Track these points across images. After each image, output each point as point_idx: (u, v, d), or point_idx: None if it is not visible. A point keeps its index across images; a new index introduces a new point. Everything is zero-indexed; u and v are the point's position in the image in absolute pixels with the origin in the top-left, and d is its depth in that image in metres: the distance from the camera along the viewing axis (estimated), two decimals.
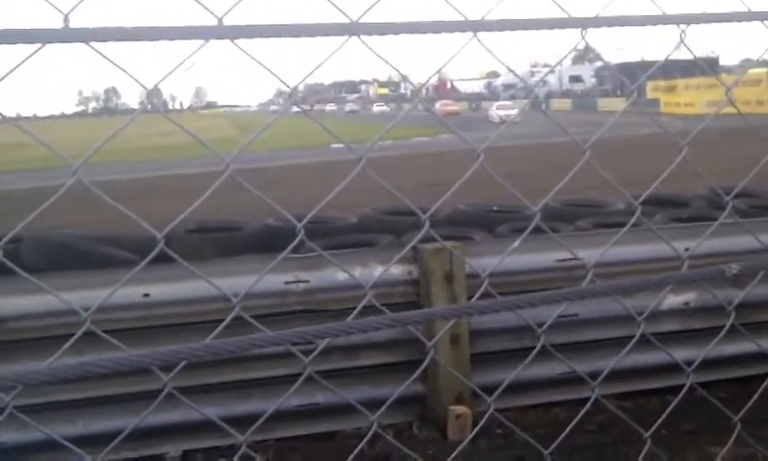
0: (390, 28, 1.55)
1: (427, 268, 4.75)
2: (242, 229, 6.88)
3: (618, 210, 7.28)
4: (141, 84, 1.55)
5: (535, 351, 2.47)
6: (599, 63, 76.89)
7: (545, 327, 2.54)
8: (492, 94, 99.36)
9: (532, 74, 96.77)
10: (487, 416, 2.24)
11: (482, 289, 2.16)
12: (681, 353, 4.71)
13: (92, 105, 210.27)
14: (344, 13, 1.53)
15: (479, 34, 1.66)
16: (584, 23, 1.77)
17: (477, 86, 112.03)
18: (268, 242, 6.58)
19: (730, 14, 1.86)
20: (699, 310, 5.22)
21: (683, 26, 1.90)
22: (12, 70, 1.36)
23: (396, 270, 4.75)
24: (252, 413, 4.62)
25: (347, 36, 1.53)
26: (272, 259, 5.13)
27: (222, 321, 4.54)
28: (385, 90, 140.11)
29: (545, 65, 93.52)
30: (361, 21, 1.53)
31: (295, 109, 1.92)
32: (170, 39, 1.39)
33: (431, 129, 40.04)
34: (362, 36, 1.54)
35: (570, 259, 5.06)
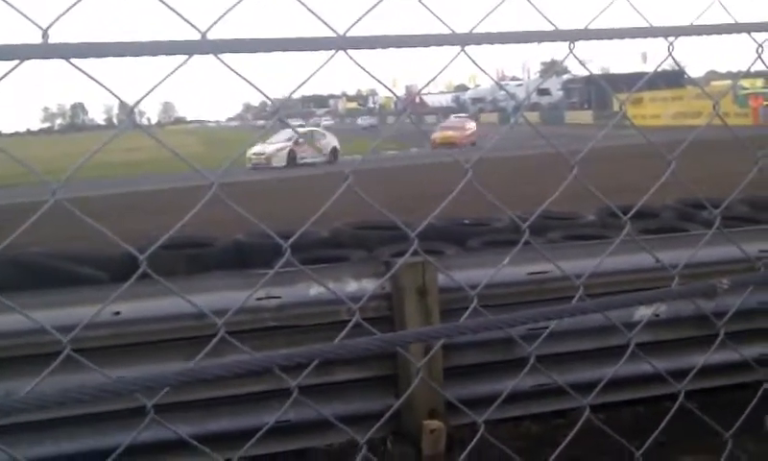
0: (378, 41, 1.52)
1: (400, 282, 4.73)
2: (212, 245, 6.82)
3: (588, 222, 7.32)
4: (122, 101, 1.52)
5: (527, 368, 2.45)
6: (566, 76, 77.43)
7: (537, 343, 2.53)
8: (460, 108, 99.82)
9: (499, 87, 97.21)
10: (478, 435, 2.22)
11: (472, 306, 2.14)
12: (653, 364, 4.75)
13: (58, 121, 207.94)
14: (331, 28, 1.50)
15: (467, 47, 1.64)
16: (572, 36, 1.75)
17: (445, 100, 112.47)
18: (238, 258, 6.53)
19: (717, 26, 1.86)
20: (669, 321, 5.25)
21: (671, 38, 1.90)
22: None
23: (370, 284, 4.73)
24: (222, 431, 4.58)
25: (333, 51, 1.50)
26: (244, 275, 5.11)
27: (193, 338, 4.51)
28: (354, 104, 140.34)
29: (513, 78, 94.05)
30: (348, 35, 1.50)
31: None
32: (153, 55, 1.36)
33: (401, 143, 40.17)
34: (349, 51, 1.52)
35: (541, 272, 5.08)
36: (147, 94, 1.52)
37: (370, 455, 2.10)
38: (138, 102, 1.54)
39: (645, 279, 4.83)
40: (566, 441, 2.35)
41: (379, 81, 1.80)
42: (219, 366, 1.41)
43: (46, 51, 1.30)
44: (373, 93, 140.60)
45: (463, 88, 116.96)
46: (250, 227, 7.15)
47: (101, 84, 1.46)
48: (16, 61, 1.29)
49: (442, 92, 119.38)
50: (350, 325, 1.93)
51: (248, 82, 1.55)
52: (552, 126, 56.68)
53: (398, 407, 4.74)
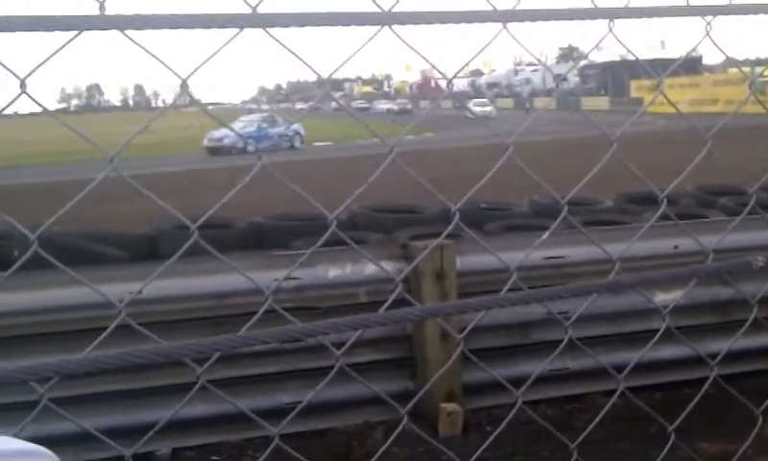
0: (422, 17, 1.55)
1: (418, 266, 4.74)
2: (231, 226, 6.85)
3: (607, 208, 7.33)
4: (176, 74, 1.55)
5: (563, 344, 2.46)
6: (583, 62, 76.96)
7: (572, 320, 2.53)
8: (476, 92, 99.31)
9: (516, 72, 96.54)
10: (515, 409, 2.23)
11: (510, 282, 2.16)
12: (670, 351, 4.76)
13: (74, 102, 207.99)
14: (376, 3, 1.53)
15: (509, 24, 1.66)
16: (613, 14, 1.77)
17: (462, 85, 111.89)
18: (256, 240, 6.58)
19: (756, 6, 1.85)
20: (687, 308, 5.24)
21: (708, 18, 1.90)
22: (48, 58, 1.35)
23: (388, 267, 4.74)
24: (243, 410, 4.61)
25: (379, 27, 1.54)
26: (263, 256, 5.15)
27: (210, 318, 4.53)
28: (369, 88, 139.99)
29: (529, 64, 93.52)
30: (393, 11, 1.53)
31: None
32: (205, 27, 1.38)
33: (416, 128, 40.15)
34: (394, 27, 1.55)
35: (557, 257, 5.09)
36: (199, 67, 1.56)
37: (412, 425, 2.12)
38: (191, 74, 1.57)
39: (663, 265, 4.84)
40: (594, 422, 2.36)
41: (424, 57, 1.82)
42: (266, 333, 1.44)
43: (104, 22, 1.32)
44: (389, 77, 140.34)
45: (478, 73, 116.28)
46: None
47: (156, 58, 1.50)
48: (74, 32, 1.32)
49: (457, 77, 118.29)
50: (392, 297, 1.95)
51: (296, 55, 1.58)
52: (569, 111, 56.32)
53: (423, 388, 4.77)
